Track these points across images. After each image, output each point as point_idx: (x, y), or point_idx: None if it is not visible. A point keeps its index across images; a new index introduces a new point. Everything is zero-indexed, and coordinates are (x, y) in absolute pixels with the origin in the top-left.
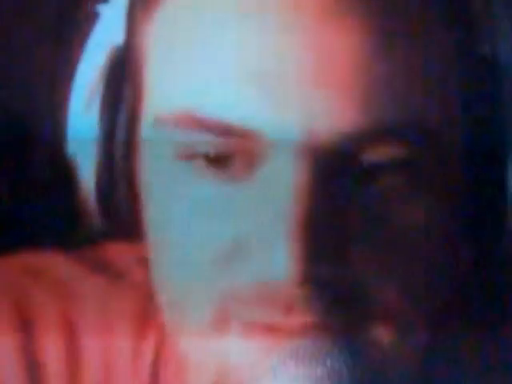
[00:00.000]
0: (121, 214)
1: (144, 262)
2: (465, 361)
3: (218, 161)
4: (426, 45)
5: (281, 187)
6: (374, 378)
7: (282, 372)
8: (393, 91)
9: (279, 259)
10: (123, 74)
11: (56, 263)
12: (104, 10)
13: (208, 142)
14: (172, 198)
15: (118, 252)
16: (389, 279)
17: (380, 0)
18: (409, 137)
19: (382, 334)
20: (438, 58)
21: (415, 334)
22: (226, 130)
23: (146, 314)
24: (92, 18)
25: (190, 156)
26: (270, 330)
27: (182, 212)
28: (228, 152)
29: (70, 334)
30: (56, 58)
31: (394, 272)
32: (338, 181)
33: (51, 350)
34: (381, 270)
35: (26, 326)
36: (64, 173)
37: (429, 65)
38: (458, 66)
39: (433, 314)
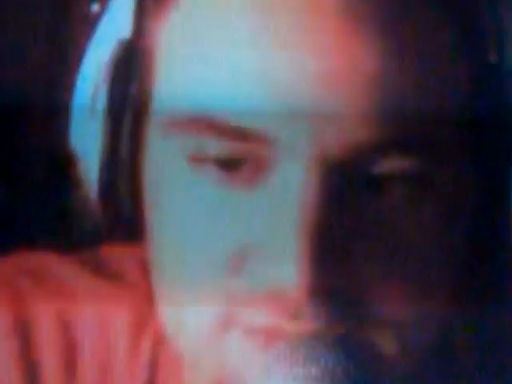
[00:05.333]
0: (122, 214)
1: (142, 263)
2: (465, 361)
3: (228, 165)
4: (436, 54)
5: (290, 195)
6: (369, 378)
7: (277, 372)
8: (401, 102)
9: (287, 266)
10: (130, 69)
11: (54, 264)
12: (111, 3)
13: (219, 145)
14: (179, 200)
15: (116, 253)
16: (397, 289)
17: (389, 6)
18: (419, 148)
19: (382, 337)
20: (449, 67)
21: (417, 337)
22: (237, 135)
23: (143, 314)
24: (93, 15)
25: (199, 159)
26: (272, 333)
27: (188, 215)
28: (238, 156)
29: (68, 335)
30: (56, 52)
31: (402, 282)
32: (347, 191)
33: (48, 351)
34: (389, 279)
35: (23, 326)
36: (65, 172)
37: (439, 76)
38: (467, 74)
39: (435, 317)
